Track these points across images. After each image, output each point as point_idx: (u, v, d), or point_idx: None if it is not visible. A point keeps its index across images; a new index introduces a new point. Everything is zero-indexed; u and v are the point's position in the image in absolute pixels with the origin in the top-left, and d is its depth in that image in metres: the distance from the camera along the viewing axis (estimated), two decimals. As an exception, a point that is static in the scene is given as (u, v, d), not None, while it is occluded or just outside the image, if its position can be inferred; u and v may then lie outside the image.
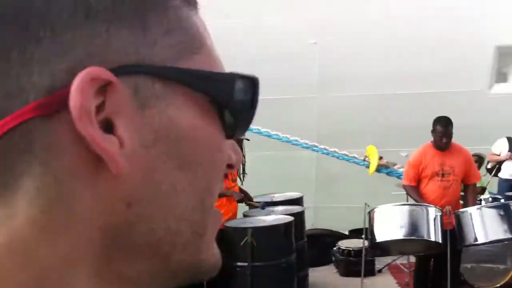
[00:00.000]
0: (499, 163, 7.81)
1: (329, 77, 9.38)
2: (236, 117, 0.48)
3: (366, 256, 6.23)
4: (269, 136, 8.51)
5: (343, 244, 6.55)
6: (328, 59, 9.27)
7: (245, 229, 4.55)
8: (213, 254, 0.50)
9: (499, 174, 7.80)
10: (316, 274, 6.56)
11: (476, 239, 4.52)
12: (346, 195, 8.73)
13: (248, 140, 5.07)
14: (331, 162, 8.85)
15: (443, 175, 4.83)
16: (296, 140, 8.29)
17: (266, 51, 9.15)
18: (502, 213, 4.51)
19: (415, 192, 4.88)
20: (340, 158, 8.37)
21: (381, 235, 4.54)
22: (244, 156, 5.10)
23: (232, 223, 4.79)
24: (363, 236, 4.80)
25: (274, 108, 9.44)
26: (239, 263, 4.56)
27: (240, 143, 5.03)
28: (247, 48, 9.03)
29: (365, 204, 4.69)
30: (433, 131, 4.86)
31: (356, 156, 8.34)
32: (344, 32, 9.15)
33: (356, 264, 6.24)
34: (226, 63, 0.55)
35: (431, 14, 8.83)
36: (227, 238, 4.67)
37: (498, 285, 5.55)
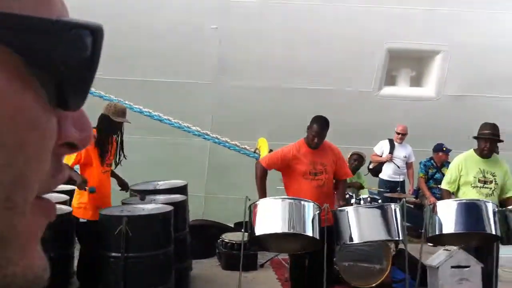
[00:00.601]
0: (380, 163, 8.11)
1: (228, 64, 9.26)
2: (66, 81, 0.36)
3: (249, 250, 6.24)
4: (161, 120, 8.27)
5: (227, 236, 6.48)
6: (227, 46, 9.15)
7: (120, 217, 4.31)
8: (31, 265, 0.37)
9: (380, 175, 8.11)
10: (200, 266, 6.42)
11: (351, 239, 4.60)
12: (236, 186, 8.68)
13: (129, 122, 4.80)
14: (225, 152, 8.78)
15: (315, 174, 4.86)
16: (188, 127, 8.10)
17: (164, 31, 8.88)
18: (378, 214, 4.62)
19: (260, 176, 4.84)
20: (231, 148, 8.30)
21: (259, 229, 4.46)
22: (121, 139, 4.83)
23: (107, 211, 4.52)
24: (242, 229, 4.70)
25: (169, 92, 9.24)
26: (112, 254, 4.32)
27: (119, 126, 4.77)
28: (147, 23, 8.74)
29: (246, 197, 4.58)
30: (309, 128, 4.84)
31: (247, 147, 8.32)
32: (246, 20, 9.07)
33: (238, 258, 6.17)
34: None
35: (329, 8, 8.95)
36: (101, 227, 4.43)
37: (374, 284, 5.75)
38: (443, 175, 7.69)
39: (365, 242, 4.67)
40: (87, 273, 4.65)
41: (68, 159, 4.50)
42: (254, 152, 7.96)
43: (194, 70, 9.32)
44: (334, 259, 5.83)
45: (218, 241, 6.56)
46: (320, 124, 4.80)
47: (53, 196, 5.05)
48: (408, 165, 8.19)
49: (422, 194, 7.74)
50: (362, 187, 6.78)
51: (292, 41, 9.16)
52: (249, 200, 4.58)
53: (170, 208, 4.65)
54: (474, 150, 5.09)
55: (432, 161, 7.90)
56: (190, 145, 9.28)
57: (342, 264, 5.79)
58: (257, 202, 4.56)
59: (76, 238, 4.68)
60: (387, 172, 8.01)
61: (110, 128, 4.71)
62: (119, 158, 4.89)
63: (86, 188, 4.51)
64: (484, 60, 9.25)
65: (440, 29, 9.31)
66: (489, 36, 9.16)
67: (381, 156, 8.13)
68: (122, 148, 4.86)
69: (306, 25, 9.17)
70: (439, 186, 7.65)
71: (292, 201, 4.53)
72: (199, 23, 8.96)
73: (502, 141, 5.05)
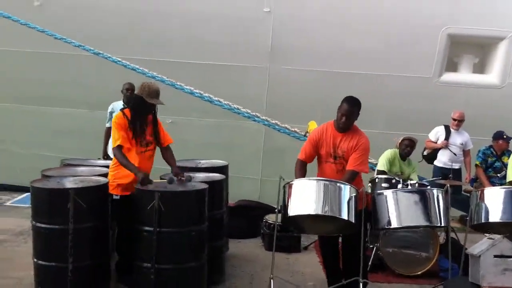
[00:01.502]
0: (435, 150, 7.79)
1: (280, 48, 9.18)
2: None
3: (293, 232, 6.18)
4: (221, 105, 8.37)
5: (270, 218, 6.43)
6: (282, 29, 9.07)
7: (153, 192, 4.34)
8: None
9: (434, 162, 7.79)
10: (241, 246, 6.45)
11: (389, 223, 4.43)
12: (291, 169, 8.65)
13: (163, 104, 4.82)
14: (279, 135, 8.75)
15: (335, 157, 4.66)
16: (238, 108, 8.11)
17: (218, 15, 8.92)
18: (418, 199, 4.43)
19: (297, 167, 4.71)
20: (281, 131, 8.26)
21: (293, 210, 4.35)
22: (155, 120, 4.86)
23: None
24: (276, 210, 4.62)
25: (224, 75, 9.30)
26: (145, 228, 4.36)
27: (153, 107, 4.81)
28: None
29: (280, 177, 4.49)
30: (339, 107, 4.61)
31: (297, 130, 8.24)
32: (300, 3, 8.95)
33: (282, 239, 6.15)
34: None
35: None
36: (136, 201, 4.49)
37: (419, 272, 5.54)
38: (503, 164, 7.33)
39: (402, 227, 4.48)
40: (124, 246, 4.75)
41: (114, 141, 4.62)
42: (304, 135, 7.85)
43: (247, 54, 9.32)
44: (372, 244, 5.70)
45: (262, 222, 6.52)
46: (350, 104, 4.59)
47: (93, 170, 5.20)
48: (465, 153, 7.81)
49: (479, 183, 7.39)
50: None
51: (348, 25, 8.95)
52: (283, 180, 4.49)
53: (204, 186, 4.64)
54: None
55: (491, 149, 7.50)
56: (245, 128, 9.33)
57: (386, 250, 5.61)
58: (292, 182, 4.45)
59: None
60: (442, 159, 7.67)
61: (143, 109, 4.76)
62: (159, 139, 4.92)
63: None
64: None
65: (504, 15, 8.85)
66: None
67: (436, 143, 7.80)
68: (157, 130, 4.88)
69: (364, 9, 8.95)
70: (498, 175, 7.33)
71: (327, 182, 4.39)
72: (253, 7, 8.94)
73: None
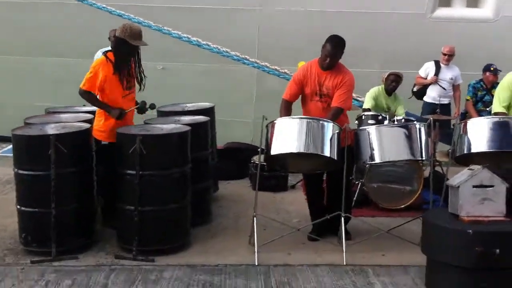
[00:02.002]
0: (425, 86, 7.73)
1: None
2: None
3: (280, 172, 6.23)
4: (210, 49, 8.28)
5: (257, 159, 6.46)
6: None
7: (134, 136, 4.35)
8: None
9: (424, 98, 7.75)
10: (230, 187, 6.55)
11: (372, 158, 4.45)
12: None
13: (146, 45, 4.75)
14: (272, 78, 8.70)
15: (321, 95, 4.66)
16: (227, 52, 8.02)
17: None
18: (400, 133, 4.43)
19: (282, 107, 4.70)
20: (271, 73, 8.20)
21: (275, 148, 4.38)
22: (139, 62, 4.82)
23: (124, 130, 4.59)
24: (259, 150, 4.64)
25: (212, 18, 9.14)
26: (128, 171, 4.40)
27: (137, 49, 4.75)
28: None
29: (263, 116, 4.49)
30: (322, 47, 4.61)
31: (287, 72, 8.17)
32: None
33: (269, 179, 6.25)
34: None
35: None
36: (118, 145, 4.52)
37: (403, 206, 5.61)
38: (493, 97, 7.26)
39: (385, 162, 4.50)
40: (108, 190, 4.80)
41: (91, 85, 4.60)
42: (294, 77, 7.79)
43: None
44: (356, 180, 5.74)
45: (250, 163, 6.57)
46: (333, 44, 4.58)
47: (77, 116, 5.20)
48: (455, 88, 7.76)
49: (470, 117, 7.35)
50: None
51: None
52: (266, 119, 4.48)
53: (186, 128, 4.64)
54: None
55: (481, 82, 7.44)
56: (237, 71, 9.26)
57: (371, 185, 5.67)
58: (274, 121, 4.46)
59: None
60: (431, 95, 7.62)
61: (127, 52, 4.70)
62: (141, 81, 4.91)
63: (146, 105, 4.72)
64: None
65: None
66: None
67: (425, 78, 7.73)
68: (141, 71, 4.86)
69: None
70: (487, 109, 7.28)
71: (310, 120, 4.40)
72: None
73: None
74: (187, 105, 5.99)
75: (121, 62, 4.69)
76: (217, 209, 5.56)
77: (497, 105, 4.73)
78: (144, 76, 4.92)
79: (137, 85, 4.92)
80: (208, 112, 5.73)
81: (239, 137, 8.28)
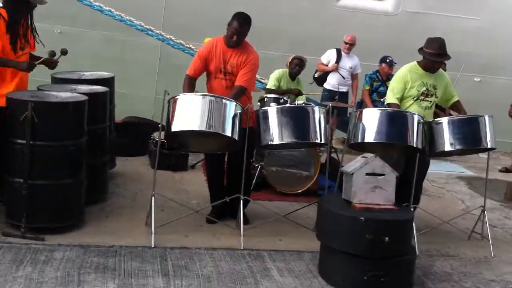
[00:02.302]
0: (326, 73, 7.93)
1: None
2: None
3: (180, 150, 6.09)
4: (112, 16, 7.89)
5: (157, 135, 6.30)
6: None
7: (26, 102, 4.04)
8: None
9: (324, 84, 7.95)
10: (128, 164, 6.32)
11: (271, 140, 4.44)
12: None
13: (45, 3, 4.40)
14: (176, 52, 8.49)
15: (225, 73, 4.63)
16: (131, 21, 7.70)
17: None
18: (298, 116, 4.46)
19: (185, 83, 4.64)
20: (175, 47, 8.01)
21: (176, 125, 4.23)
22: (31, 21, 4.47)
23: (16, 95, 4.24)
24: (159, 126, 4.49)
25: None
26: (18, 140, 4.10)
27: (32, 6, 4.40)
28: None
29: (165, 91, 4.32)
30: (229, 24, 4.56)
31: (192, 47, 8.03)
32: None
33: (169, 157, 6.10)
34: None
35: None
36: (9, 112, 4.18)
37: (300, 191, 5.72)
38: (387, 88, 7.59)
39: (284, 144, 4.51)
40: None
41: None
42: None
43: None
44: (257, 163, 5.79)
45: (150, 139, 6.39)
46: (240, 21, 4.54)
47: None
48: (353, 76, 8.04)
49: (365, 106, 7.65)
50: (300, 94, 6.62)
51: None
52: (168, 94, 4.34)
53: (84, 98, 4.40)
54: (418, 62, 4.88)
55: (377, 73, 7.75)
56: (140, 43, 8.95)
57: (270, 169, 5.73)
58: (176, 97, 4.29)
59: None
60: (331, 82, 7.84)
61: (22, 10, 4.33)
62: (35, 41, 4.56)
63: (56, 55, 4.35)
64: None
65: None
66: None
67: (327, 65, 7.93)
68: (34, 31, 4.51)
69: None
70: (381, 100, 7.61)
71: (213, 98, 4.30)
72: None
73: (449, 58, 4.85)
74: (85, 73, 5.68)
75: (15, 21, 4.31)
76: (113, 187, 5.35)
77: (391, 97, 4.90)
78: (39, 38, 4.58)
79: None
80: (107, 82, 5.43)
81: (139, 111, 8.05)
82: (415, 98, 4.82)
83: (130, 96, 9.18)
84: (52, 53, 4.42)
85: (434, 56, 4.73)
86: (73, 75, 5.51)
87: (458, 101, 5.05)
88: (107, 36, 9.04)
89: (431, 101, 4.86)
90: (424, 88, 4.81)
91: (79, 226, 4.32)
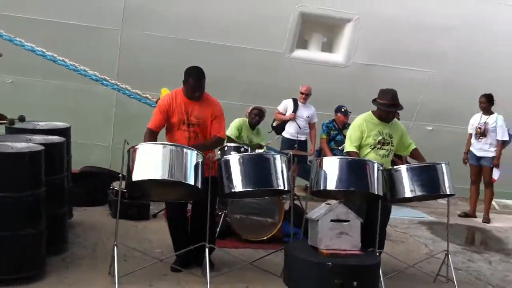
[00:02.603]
0: (284, 122, 8.08)
1: (134, 12, 8.85)
2: None
3: (142, 200, 6.00)
4: (66, 66, 7.79)
5: (118, 184, 6.19)
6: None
7: (-18, 153, 3.93)
8: None
9: (283, 133, 8.08)
10: (87, 213, 6.17)
11: (234, 187, 4.44)
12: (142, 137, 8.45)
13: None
14: (132, 101, 8.44)
15: (189, 125, 4.64)
16: (85, 70, 7.63)
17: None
18: (260, 164, 4.49)
19: (146, 136, 4.61)
20: (132, 96, 7.96)
21: (137, 175, 4.16)
22: None
23: (-30, 146, 4.12)
24: (120, 175, 4.42)
25: (72, 34, 8.73)
26: (-26, 192, 3.95)
27: None
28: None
29: (125, 141, 4.29)
30: (185, 82, 4.61)
31: (149, 96, 8.02)
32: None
33: (130, 207, 6.01)
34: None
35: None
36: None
37: (265, 238, 5.71)
38: (344, 136, 7.78)
39: (247, 191, 4.51)
40: None
41: None
42: (156, 102, 7.64)
43: (101, 14, 8.86)
44: (220, 211, 5.76)
45: (109, 189, 6.28)
46: (196, 77, 4.58)
47: None
48: (311, 126, 8.23)
49: (324, 155, 7.78)
50: (261, 147, 6.70)
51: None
52: (128, 143, 4.30)
53: (40, 147, 4.30)
54: (373, 112, 5.04)
55: (334, 122, 7.93)
56: (95, 92, 8.89)
57: (234, 216, 5.70)
58: (136, 146, 4.26)
59: None
60: (290, 131, 8.00)
61: None
62: None
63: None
64: (393, 30, 9.42)
65: (352, -3, 9.41)
66: (398, 8, 9.33)
67: (284, 115, 8.08)
68: None
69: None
70: (339, 148, 7.77)
71: (173, 147, 4.28)
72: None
73: (402, 108, 5.03)
74: (39, 123, 5.58)
75: None
76: (73, 237, 5.19)
77: (349, 145, 5.03)
78: None
79: None
80: (63, 132, 5.37)
81: (96, 161, 7.92)
82: (372, 147, 4.94)
83: (86, 145, 9.04)
84: (22, 118, 4.33)
85: (388, 106, 4.90)
86: (27, 125, 5.41)
87: (416, 148, 5.20)
88: (61, 85, 8.94)
89: (387, 149, 4.99)
90: (380, 137, 4.95)
91: (40, 277, 4.15)
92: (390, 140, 5.00)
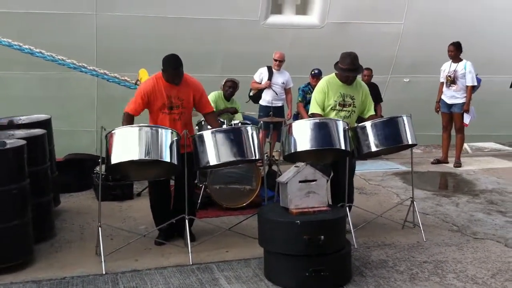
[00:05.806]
0: (260, 90, 8.26)
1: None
2: None
3: (124, 180, 6.25)
4: (44, 57, 7.93)
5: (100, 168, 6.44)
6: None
7: (-35, 153, 4.16)
8: None
9: (260, 101, 8.28)
10: (73, 199, 6.45)
11: (208, 161, 4.68)
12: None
13: None
14: (113, 84, 8.60)
15: (171, 107, 4.85)
16: (63, 60, 7.79)
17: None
18: (232, 137, 4.71)
19: (124, 121, 4.79)
20: (111, 80, 8.13)
21: (115, 158, 4.42)
22: None
23: (-45, 146, 4.35)
24: (99, 160, 4.67)
25: (49, 24, 8.83)
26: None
27: None
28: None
29: (102, 127, 4.53)
30: (164, 71, 4.79)
31: (128, 79, 8.17)
32: None
33: (114, 188, 6.28)
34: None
35: None
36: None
37: (244, 204, 5.99)
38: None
39: (221, 164, 4.75)
40: None
41: None
42: (135, 83, 7.81)
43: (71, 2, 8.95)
44: (200, 183, 6.01)
45: (93, 173, 6.53)
46: (174, 66, 4.77)
47: None
48: (287, 91, 8.40)
49: (301, 118, 7.98)
50: (236, 112, 6.90)
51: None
52: (105, 129, 4.53)
53: (22, 142, 4.53)
54: (336, 74, 5.22)
55: (309, 86, 8.12)
56: (76, 79, 9.03)
57: (214, 187, 5.96)
58: (113, 131, 4.49)
59: None
60: (266, 98, 8.18)
61: None
62: None
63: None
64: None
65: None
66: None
67: (260, 83, 8.26)
68: None
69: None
70: (315, 110, 7.97)
71: (148, 128, 4.51)
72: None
73: (361, 72, 5.16)
74: (21, 117, 5.82)
75: None
76: (60, 223, 5.46)
77: (313, 107, 5.22)
78: None
79: None
80: (44, 124, 5.61)
81: (83, 146, 8.13)
82: (333, 108, 5.14)
83: (74, 132, 9.26)
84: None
85: (346, 71, 5.08)
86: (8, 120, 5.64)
87: (373, 115, 5.33)
88: (45, 76, 9.08)
89: (349, 111, 5.17)
90: (341, 99, 5.14)
91: (30, 264, 4.41)
92: (352, 101, 5.17)
